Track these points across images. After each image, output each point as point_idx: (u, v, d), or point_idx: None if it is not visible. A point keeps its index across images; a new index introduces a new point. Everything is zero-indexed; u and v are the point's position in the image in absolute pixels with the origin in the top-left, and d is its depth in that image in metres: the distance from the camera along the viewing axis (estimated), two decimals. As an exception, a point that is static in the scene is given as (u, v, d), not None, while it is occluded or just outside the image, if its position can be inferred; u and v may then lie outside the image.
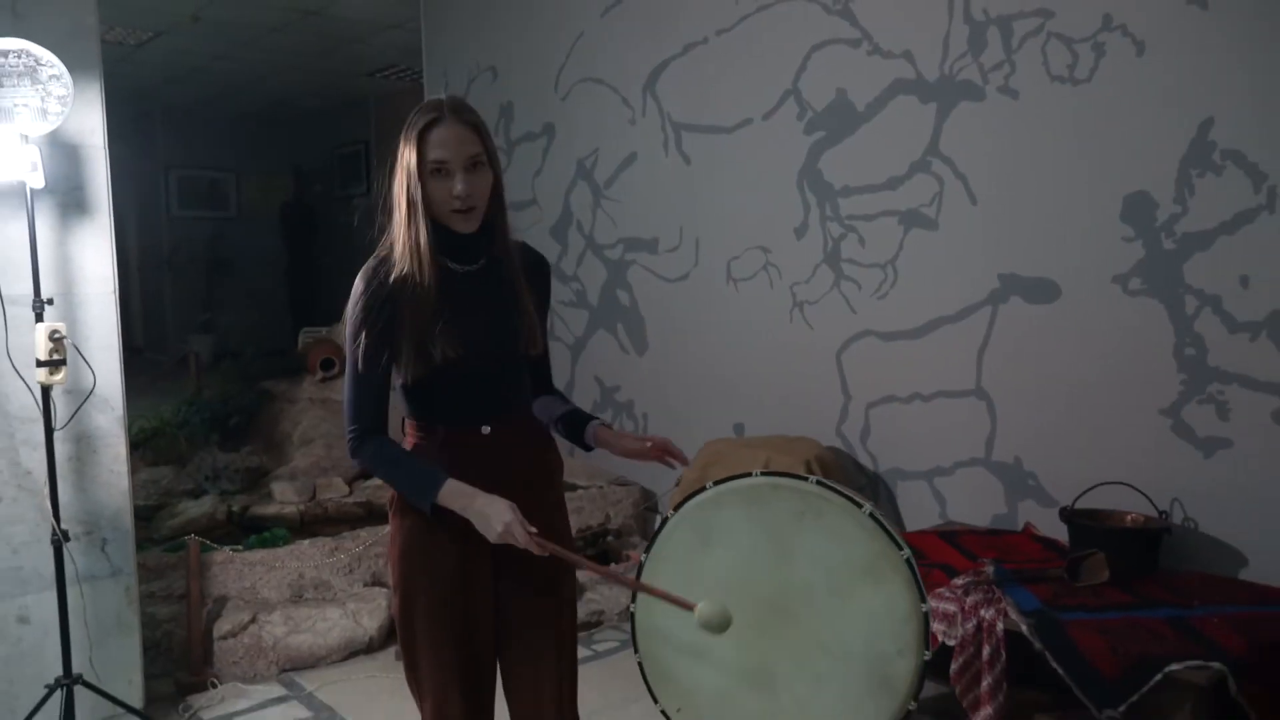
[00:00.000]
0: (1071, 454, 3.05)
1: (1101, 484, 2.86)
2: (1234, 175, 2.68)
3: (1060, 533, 2.93)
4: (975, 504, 3.34)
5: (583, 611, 3.71)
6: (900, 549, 1.59)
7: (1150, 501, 2.81)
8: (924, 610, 1.58)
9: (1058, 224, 3.06)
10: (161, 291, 9.83)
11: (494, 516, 1.61)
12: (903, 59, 3.43)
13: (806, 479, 1.64)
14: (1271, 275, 2.63)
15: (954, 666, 2.49)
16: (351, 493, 4.44)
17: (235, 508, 4.27)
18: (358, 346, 1.70)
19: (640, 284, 4.55)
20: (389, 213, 1.72)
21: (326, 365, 4.96)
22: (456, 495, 1.66)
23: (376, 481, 4.50)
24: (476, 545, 1.73)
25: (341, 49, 7.44)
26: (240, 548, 3.65)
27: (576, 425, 1.89)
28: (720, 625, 1.63)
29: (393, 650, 3.48)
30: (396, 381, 1.78)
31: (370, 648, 3.49)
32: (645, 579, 1.72)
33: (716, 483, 1.69)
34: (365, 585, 3.67)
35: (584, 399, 4.93)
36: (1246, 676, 2.17)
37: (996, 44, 3.17)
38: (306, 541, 3.74)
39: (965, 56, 3.25)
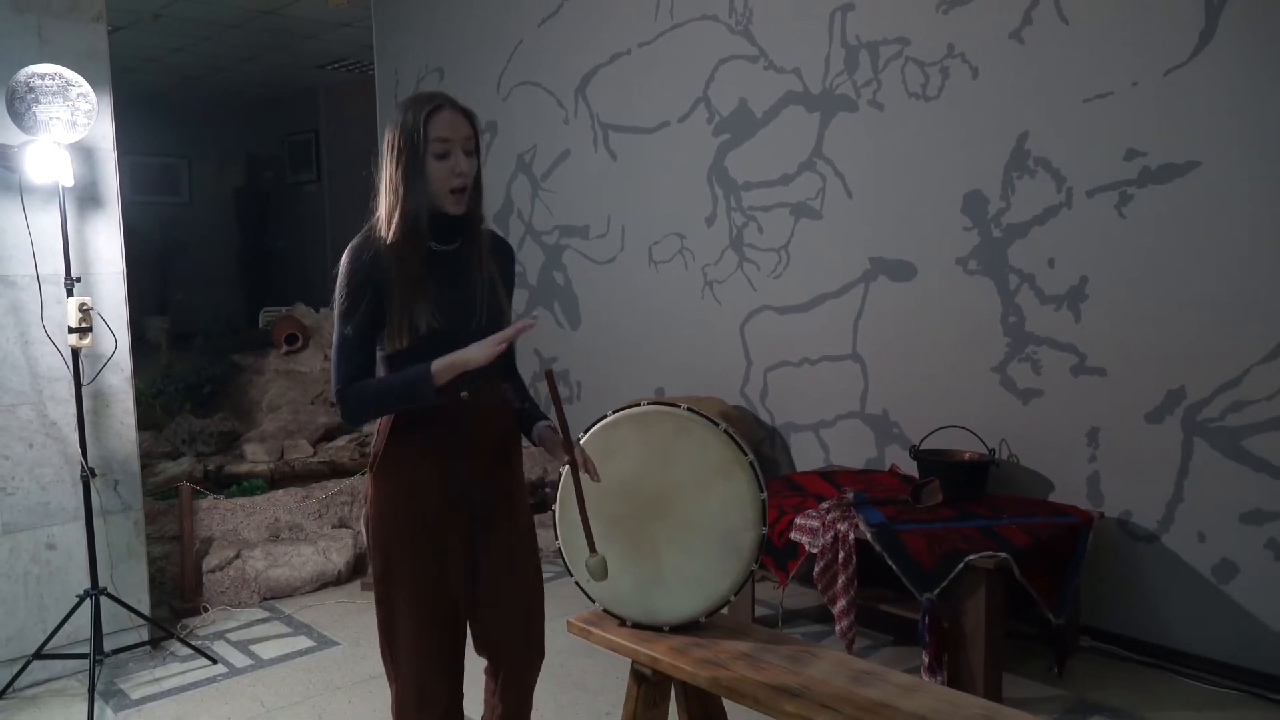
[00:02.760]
0: (925, 405, 3.71)
1: (943, 428, 3.53)
2: (1043, 178, 3.34)
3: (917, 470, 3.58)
4: (852, 449, 3.99)
5: (523, 548, 4.30)
6: (745, 455, 2.20)
7: (981, 441, 3.48)
8: (762, 498, 2.20)
9: (914, 215, 3.70)
10: (116, 274, 10.10)
11: (476, 351, 1.77)
12: (793, 74, 4.04)
13: (679, 406, 2.24)
14: (1070, 258, 3.30)
15: (816, 570, 3.12)
16: (316, 453, 4.96)
17: (211, 467, 4.76)
18: (345, 315, 1.82)
19: (574, 266, 5.13)
20: (378, 194, 1.86)
21: (291, 340, 5.45)
22: (445, 368, 1.79)
23: (339, 443, 5.03)
24: (452, 503, 1.91)
25: (295, 44, 7.86)
26: (222, 495, 4.17)
27: (526, 419, 2.07)
28: (599, 574, 1.99)
29: (359, 582, 4.04)
30: (380, 353, 1.89)
31: (339, 579, 4.04)
32: (563, 487, 2.30)
33: (614, 411, 2.29)
34: (334, 527, 4.22)
35: (525, 370, 5.47)
36: (1026, 564, 2.84)
37: (867, 65, 3.79)
38: (280, 491, 4.27)
39: (843, 74, 3.87)
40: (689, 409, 2.24)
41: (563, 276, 5.20)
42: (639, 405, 2.28)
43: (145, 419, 5.13)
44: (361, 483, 4.30)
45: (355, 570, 4.10)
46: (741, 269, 4.31)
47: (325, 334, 5.65)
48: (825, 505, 3.24)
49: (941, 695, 1.96)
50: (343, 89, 9.48)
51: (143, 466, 4.66)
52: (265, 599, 3.89)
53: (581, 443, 2.29)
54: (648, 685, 2.24)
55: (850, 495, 3.30)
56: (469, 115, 1.89)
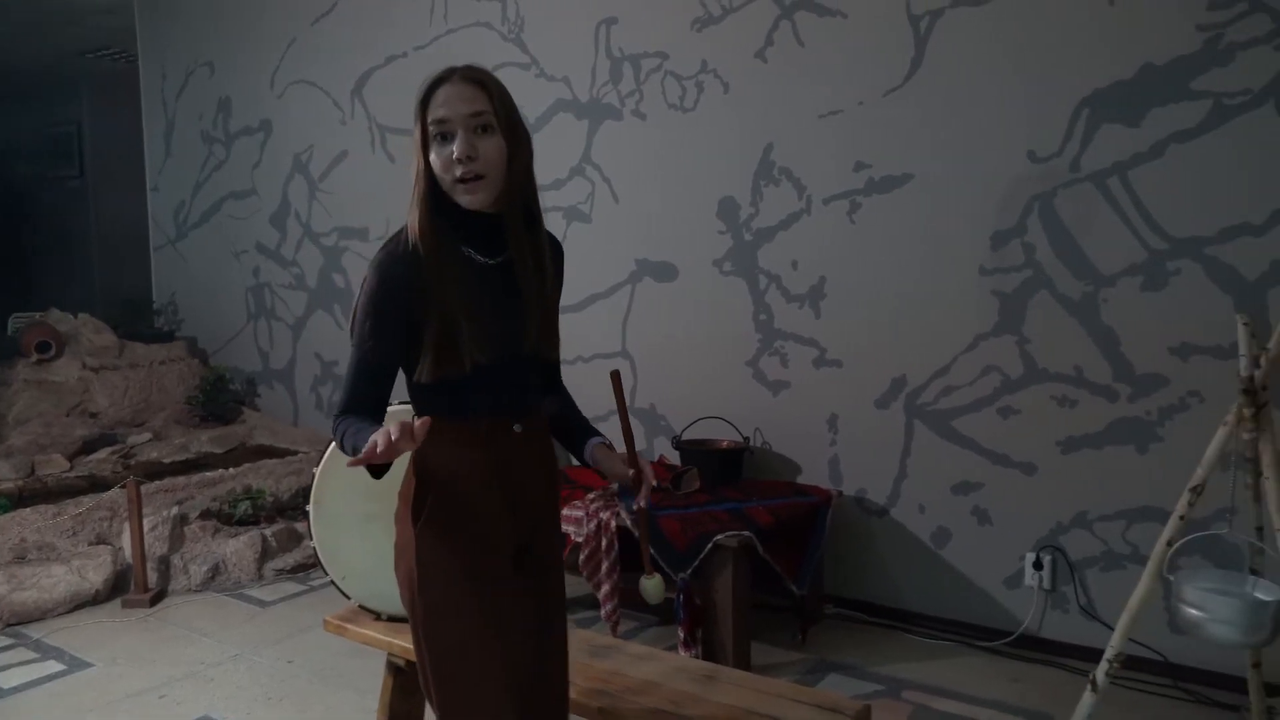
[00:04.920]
0: (688, 398, 3.93)
1: (702, 418, 3.77)
2: (787, 187, 3.63)
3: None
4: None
5: (299, 556, 4.22)
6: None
7: (738, 430, 3.74)
8: (509, 489, 2.30)
9: (675, 219, 3.93)
10: None
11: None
12: (562, 83, 4.18)
13: (429, 404, 2.32)
14: (810, 260, 3.60)
15: (581, 557, 3.27)
16: (72, 468, 4.66)
17: (-52, 487, 4.38)
18: (361, 338, 1.55)
19: (354, 268, 5.07)
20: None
21: (43, 348, 5.08)
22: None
23: (99, 455, 4.75)
24: (496, 540, 1.61)
25: (52, 30, 7.30)
26: (-42, 517, 3.86)
27: (576, 435, 1.76)
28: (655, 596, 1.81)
29: (119, 600, 3.84)
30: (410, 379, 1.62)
31: (97, 599, 3.82)
32: (319, 484, 2.32)
33: (366, 411, 2.33)
34: (90, 544, 3.99)
35: (305, 374, 5.39)
36: (769, 541, 3.10)
37: (630, 76, 3.99)
38: (28, 509, 3.99)
39: (608, 84, 4.05)
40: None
41: (342, 279, 5.13)
42: (390, 406, 2.33)
43: None
44: (122, 495, 4.08)
45: (116, 588, 3.90)
46: (518, 271, 4.40)
47: (82, 341, 5.31)
48: (591, 496, 3.39)
49: (671, 661, 2.14)
50: (109, 79, 8.86)
51: None
52: (9, 625, 3.63)
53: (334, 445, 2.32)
54: (402, 675, 2.30)
55: (614, 486, 3.47)
56: (482, 84, 1.51)
